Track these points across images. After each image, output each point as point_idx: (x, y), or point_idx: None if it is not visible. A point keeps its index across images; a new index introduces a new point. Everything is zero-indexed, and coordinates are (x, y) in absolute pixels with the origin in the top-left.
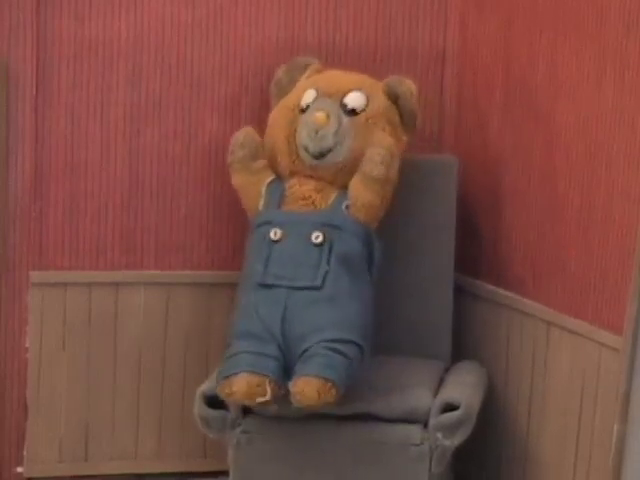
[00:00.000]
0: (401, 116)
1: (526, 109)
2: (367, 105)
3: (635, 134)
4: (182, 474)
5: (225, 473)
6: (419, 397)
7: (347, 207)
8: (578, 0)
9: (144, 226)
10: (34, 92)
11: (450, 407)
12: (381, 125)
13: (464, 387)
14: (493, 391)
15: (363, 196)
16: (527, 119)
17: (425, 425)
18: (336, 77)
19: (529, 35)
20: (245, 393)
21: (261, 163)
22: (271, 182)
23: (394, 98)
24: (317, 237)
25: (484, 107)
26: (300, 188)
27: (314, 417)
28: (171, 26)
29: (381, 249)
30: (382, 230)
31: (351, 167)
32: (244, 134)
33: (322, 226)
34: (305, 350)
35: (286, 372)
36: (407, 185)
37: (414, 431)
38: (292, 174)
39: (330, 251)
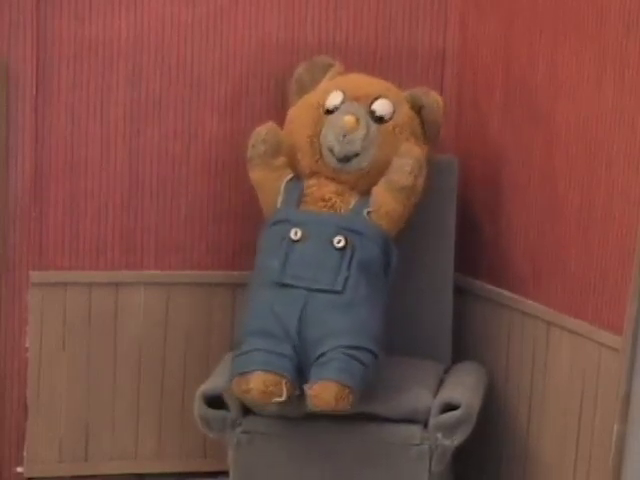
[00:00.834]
0: (422, 127)
1: (526, 109)
2: (394, 113)
3: (635, 134)
4: (182, 474)
5: (225, 473)
6: (419, 397)
7: (368, 213)
8: (578, 0)
9: (144, 226)
10: (34, 92)
11: (450, 407)
12: (406, 135)
13: (464, 387)
14: (493, 391)
15: (387, 204)
16: (527, 119)
17: (425, 425)
18: (362, 81)
19: (529, 35)
20: (262, 392)
21: (281, 160)
22: (290, 180)
23: (417, 108)
24: (339, 241)
25: (484, 107)
26: (320, 189)
27: (314, 417)
28: (171, 26)
29: (398, 257)
30: None
31: (374, 174)
32: (267, 129)
33: (343, 230)
34: (322, 354)
35: (299, 372)
36: None
37: (414, 431)
38: (312, 174)
39: (352, 256)
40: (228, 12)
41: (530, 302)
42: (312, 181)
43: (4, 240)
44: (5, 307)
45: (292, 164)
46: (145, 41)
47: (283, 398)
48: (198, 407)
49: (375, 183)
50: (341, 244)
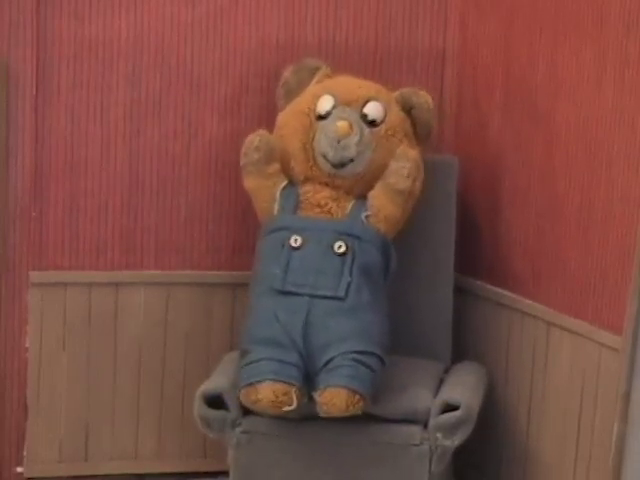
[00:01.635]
0: (414, 127)
1: (526, 109)
2: (386, 116)
3: (635, 134)
4: (182, 474)
5: (225, 473)
6: (419, 397)
7: (366, 217)
8: (578, 0)
9: (144, 226)
10: (34, 92)
11: (450, 407)
12: (399, 137)
13: (464, 387)
14: (493, 391)
15: (385, 207)
16: (527, 119)
17: (425, 425)
18: (351, 84)
19: (529, 35)
20: (272, 402)
21: (275, 167)
22: (285, 187)
23: (408, 109)
24: (340, 247)
25: (484, 107)
26: (315, 195)
27: (314, 417)
28: (171, 26)
29: (397, 260)
30: None
31: (370, 178)
32: (259, 137)
33: (343, 235)
34: (329, 360)
35: (306, 380)
36: None
37: (414, 431)
38: (307, 180)
39: (353, 261)
40: (228, 12)
41: (530, 302)
42: (307, 187)
43: (4, 240)
44: (5, 307)
45: (285, 170)
46: (145, 41)
47: (293, 406)
48: (198, 407)
49: (371, 187)
50: (342, 249)
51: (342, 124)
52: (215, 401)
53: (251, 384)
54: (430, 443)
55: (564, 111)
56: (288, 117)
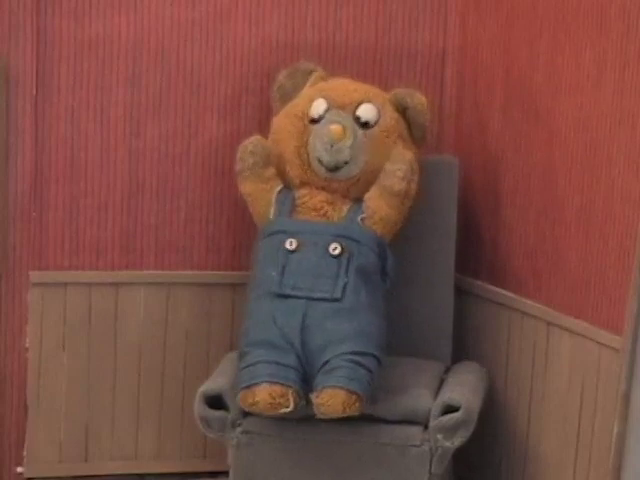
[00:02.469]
0: (409, 128)
1: (526, 109)
2: (379, 118)
3: (635, 134)
4: (182, 474)
5: (225, 473)
6: (419, 398)
7: (362, 220)
8: (578, 0)
9: (144, 226)
10: (34, 92)
11: (450, 408)
12: (393, 138)
13: (464, 388)
14: (493, 391)
15: (381, 209)
16: (527, 119)
17: (425, 426)
18: (345, 87)
19: (529, 35)
20: (269, 403)
21: (271, 171)
22: (281, 191)
23: (402, 110)
24: (335, 249)
25: (484, 107)
26: (311, 199)
27: (314, 418)
28: (171, 26)
29: (394, 263)
30: None
31: (365, 180)
32: (253, 142)
33: (338, 237)
34: (326, 362)
35: (304, 382)
36: None
37: (414, 432)
38: (302, 184)
39: (348, 263)
40: (228, 12)
41: (530, 302)
42: (303, 191)
43: (4, 240)
44: (5, 307)
45: (281, 175)
46: (145, 41)
47: (290, 408)
48: (198, 407)
49: (367, 189)
50: (337, 251)
51: (335, 128)
52: (215, 401)
53: (248, 387)
54: (430, 444)
55: (564, 111)
56: (282, 121)
